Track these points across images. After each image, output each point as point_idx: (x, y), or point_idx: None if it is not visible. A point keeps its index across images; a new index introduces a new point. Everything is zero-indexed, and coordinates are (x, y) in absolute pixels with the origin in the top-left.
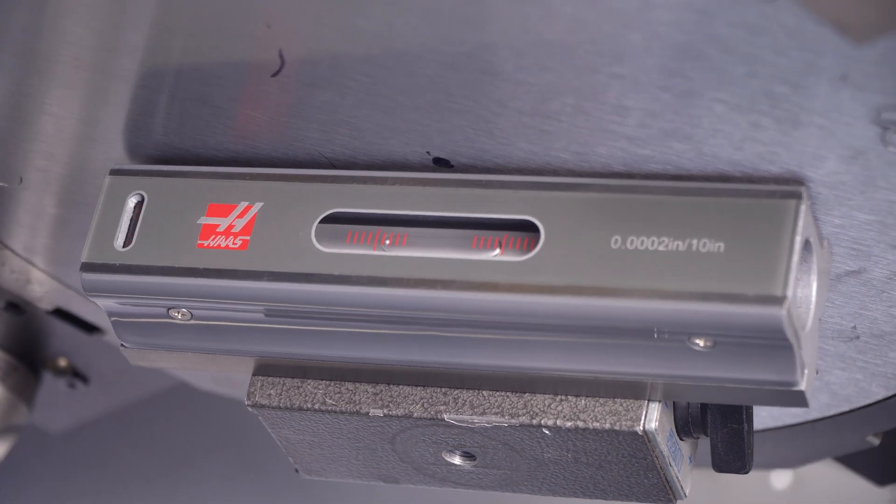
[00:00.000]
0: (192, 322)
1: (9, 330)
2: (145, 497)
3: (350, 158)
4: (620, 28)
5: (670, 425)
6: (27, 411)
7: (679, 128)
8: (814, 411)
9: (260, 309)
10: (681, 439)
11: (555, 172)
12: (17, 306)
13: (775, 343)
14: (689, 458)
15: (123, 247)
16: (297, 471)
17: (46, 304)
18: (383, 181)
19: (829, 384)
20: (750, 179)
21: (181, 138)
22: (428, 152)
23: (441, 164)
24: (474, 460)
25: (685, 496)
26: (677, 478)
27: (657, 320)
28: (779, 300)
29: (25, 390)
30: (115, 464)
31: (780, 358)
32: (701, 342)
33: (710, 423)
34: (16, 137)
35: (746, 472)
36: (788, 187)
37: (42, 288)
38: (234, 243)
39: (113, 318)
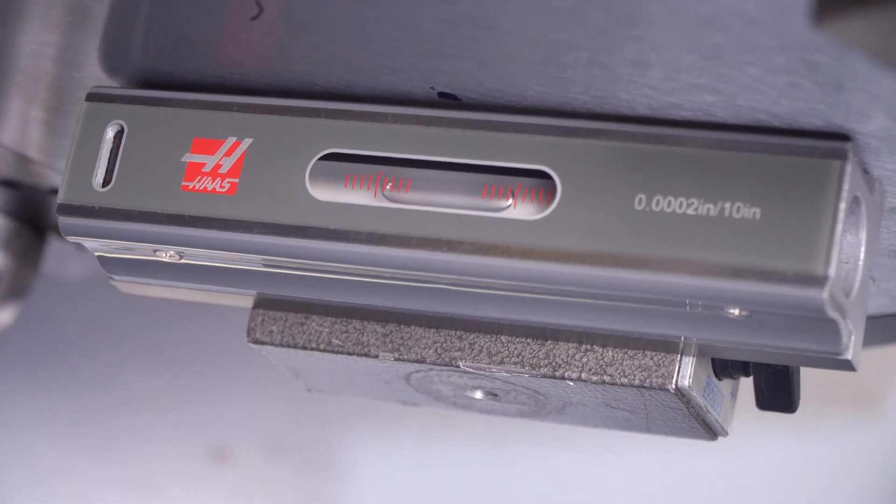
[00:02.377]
0: (182, 262)
1: (9, 199)
2: (165, 341)
3: (347, 89)
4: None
5: (707, 373)
6: (34, 275)
7: (708, 83)
8: (871, 309)
9: (252, 258)
10: (719, 380)
11: (572, 114)
12: (14, 184)
13: (817, 318)
14: (731, 394)
15: (103, 186)
16: (309, 390)
17: (44, 185)
18: (384, 118)
19: (887, 290)
20: (790, 131)
21: (162, 61)
22: (432, 87)
23: (447, 97)
24: (497, 398)
25: (727, 434)
26: (717, 421)
27: (686, 294)
28: (819, 280)
29: (31, 254)
30: (129, 312)
31: (823, 330)
32: (736, 311)
33: (753, 364)
34: None
35: (793, 412)
36: (832, 144)
37: (36, 173)
38: (221, 186)
39: (97, 254)
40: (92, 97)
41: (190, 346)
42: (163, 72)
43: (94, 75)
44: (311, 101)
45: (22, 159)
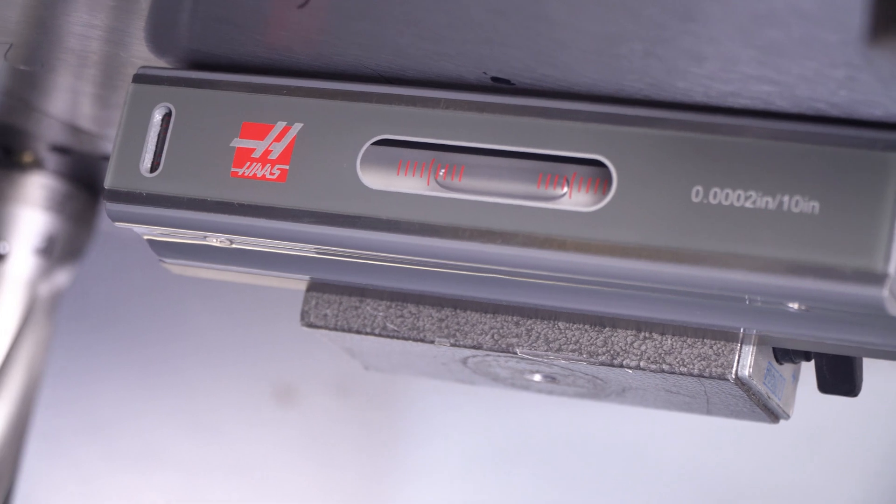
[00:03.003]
0: (233, 246)
1: (61, 162)
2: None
3: (399, 73)
4: None
5: (768, 359)
6: (89, 236)
7: (766, 75)
8: None
9: (304, 247)
10: (780, 364)
11: (627, 100)
12: (65, 150)
13: (878, 314)
14: (793, 376)
15: (150, 171)
16: (366, 368)
17: (95, 152)
18: (437, 103)
19: None
20: (850, 121)
21: (209, 43)
22: (485, 72)
23: (501, 81)
24: (556, 381)
25: (789, 417)
26: (778, 405)
27: (743, 289)
28: (879, 278)
29: (85, 216)
30: None
31: (884, 324)
32: (796, 306)
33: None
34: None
35: (856, 395)
36: (893, 135)
37: (87, 141)
38: (271, 173)
39: (146, 238)
40: (139, 79)
41: (254, 289)
42: (210, 53)
43: (142, 55)
44: (362, 84)
45: (72, 129)
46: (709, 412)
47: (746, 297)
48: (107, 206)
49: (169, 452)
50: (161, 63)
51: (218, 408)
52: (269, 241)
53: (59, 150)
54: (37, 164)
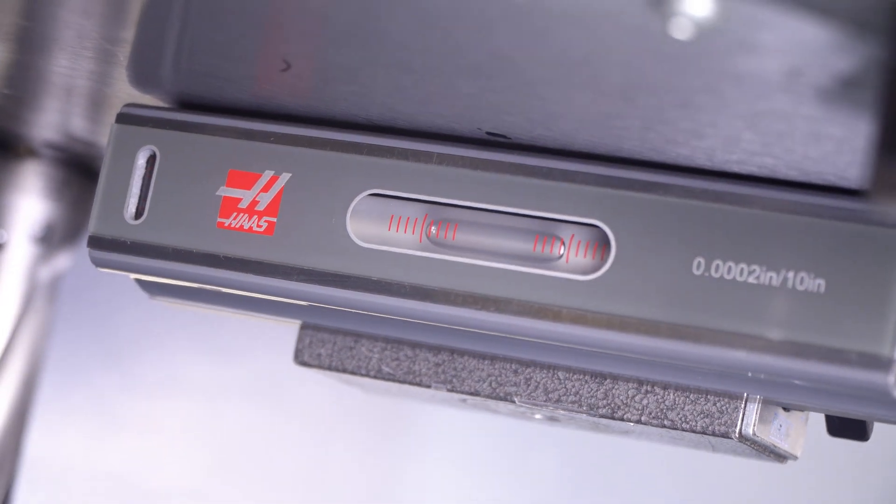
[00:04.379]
0: (223, 291)
1: (57, 151)
2: None
3: (390, 122)
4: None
5: (774, 410)
6: (88, 219)
7: (770, 152)
8: None
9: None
10: (787, 411)
11: (628, 161)
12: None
13: (883, 400)
14: (802, 418)
15: (135, 218)
16: (365, 392)
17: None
18: (429, 158)
19: None
20: (860, 192)
21: (194, 87)
22: (479, 128)
23: (496, 135)
24: (558, 421)
25: (797, 458)
26: (786, 451)
27: (745, 368)
28: (885, 363)
29: (83, 200)
30: None
31: (891, 403)
32: (800, 382)
33: None
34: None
35: (866, 440)
36: None
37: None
38: (258, 225)
39: (134, 278)
40: (122, 118)
41: None
42: (197, 95)
43: (127, 91)
44: (352, 133)
45: (67, 135)
46: (714, 452)
47: (749, 373)
48: (91, 254)
49: (188, 378)
50: (146, 99)
51: (237, 333)
52: (257, 295)
53: (55, 146)
54: (33, 154)
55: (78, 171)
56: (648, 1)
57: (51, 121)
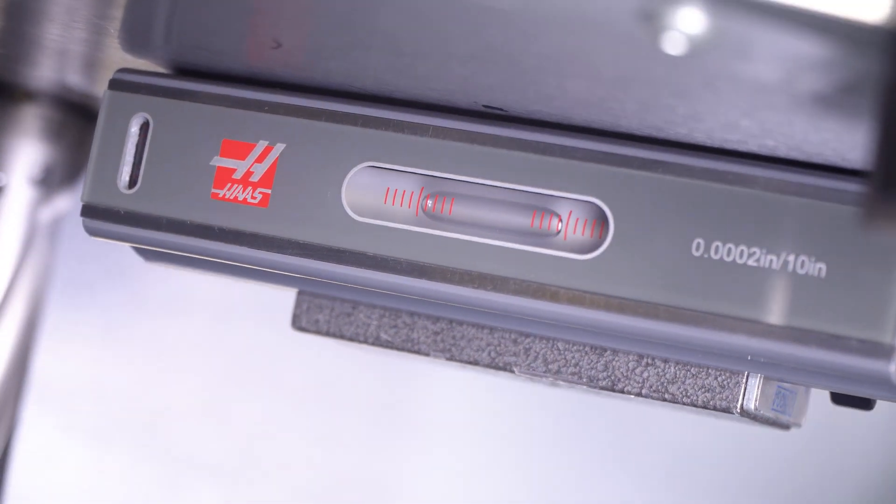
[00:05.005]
0: (217, 260)
1: (53, 92)
2: None
3: (386, 93)
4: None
5: (776, 385)
6: (86, 159)
7: (771, 134)
8: None
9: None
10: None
11: (627, 136)
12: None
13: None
14: (805, 389)
15: (129, 187)
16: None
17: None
18: (425, 130)
19: None
20: (864, 172)
21: (189, 55)
22: (475, 101)
23: (493, 108)
24: (559, 386)
25: (801, 426)
26: (788, 421)
27: (744, 352)
28: (886, 350)
29: (82, 141)
30: None
31: (890, 390)
32: (799, 367)
33: None
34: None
35: (870, 409)
36: None
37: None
38: (252, 197)
39: (129, 245)
40: (115, 84)
41: None
42: (190, 62)
43: (122, 56)
44: (347, 103)
45: (63, 87)
46: (717, 417)
47: (748, 356)
48: (84, 222)
49: (195, 297)
50: (141, 63)
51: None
52: (252, 266)
53: (52, 94)
54: (30, 97)
55: (76, 113)
56: (639, 15)
57: (46, 76)
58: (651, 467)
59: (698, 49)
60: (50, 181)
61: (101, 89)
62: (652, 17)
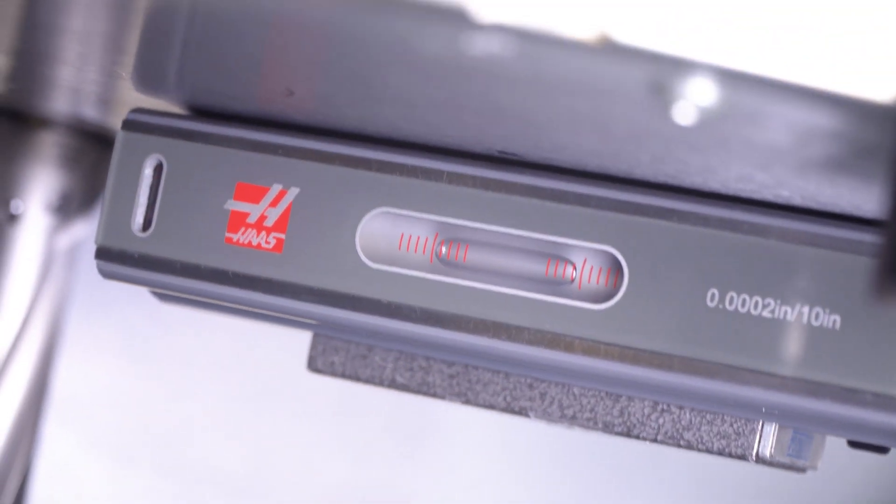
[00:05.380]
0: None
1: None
2: None
3: (400, 137)
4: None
5: (791, 432)
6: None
7: (784, 185)
8: None
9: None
10: None
11: (642, 183)
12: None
13: None
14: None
15: (143, 230)
16: None
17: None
18: (440, 176)
19: None
20: (876, 222)
21: (201, 95)
22: (490, 147)
23: (508, 154)
24: (573, 428)
25: (816, 468)
26: (804, 465)
27: (758, 405)
28: None
29: (99, 167)
30: None
31: None
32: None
33: None
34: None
35: (886, 453)
36: None
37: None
38: (266, 241)
39: (142, 287)
40: (128, 125)
41: None
42: (204, 103)
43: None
44: (362, 147)
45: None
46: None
47: (763, 409)
48: (98, 265)
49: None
50: (155, 102)
51: None
52: (266, 312)
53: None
54: (47, 125)
55: (93, 140)
56: (650, 87)
57: (62, 109)
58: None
59: (709, 119)
60: (67, 208)
61: (116, 120)
62: (663, 89)
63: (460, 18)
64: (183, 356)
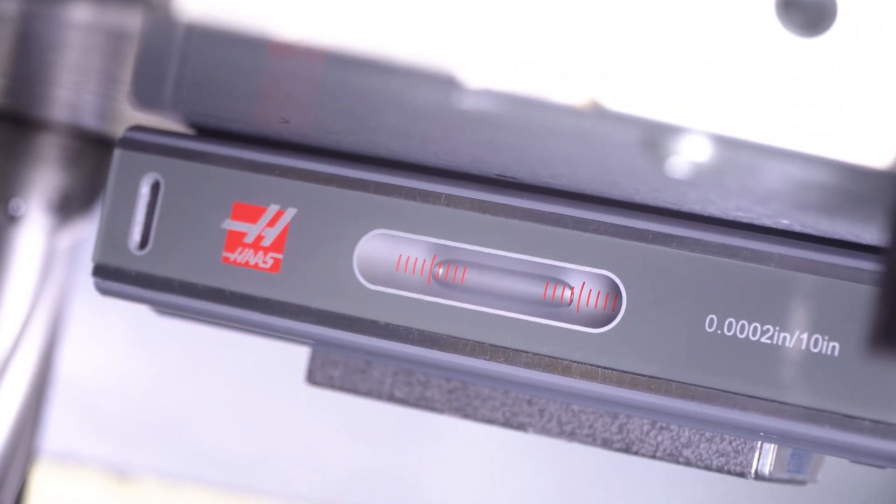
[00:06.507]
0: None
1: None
2: None
3: (398, 158)
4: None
5: (790, 450)
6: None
7: (782, 215)
8: None
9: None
10: None
11: (640, 207)
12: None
13: None
14: None
15: (140, 248)
16: None
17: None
18: (438, 198)
19: None
20: (875, 249)
21: (198, 116)
22: (488, 170)
23: (506, 177)
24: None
25: (817, 481)
26: (804, 478)
27: (756, 430)
28: None
29: (98, 168)
30: None
31: None
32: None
33: None
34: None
35: (885, 467)
36: None
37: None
38: (263, 262)
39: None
40: (125, 143)
41: None
42: (202, 123)
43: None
44: (360, 169)
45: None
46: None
47: (760, 434)
48: (95, 282)
49: None
50: (152, 119)
51: None
52: (263, 331)
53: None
54: (47, 127)
55: (93, 141)
56: (643, 143)
57: (60, 120)
58: None
59: (703, 172)
60: (67, 208)
61: (116, 128)
62: (656, 147)
63: (450, 84)
64: (186, 340)
